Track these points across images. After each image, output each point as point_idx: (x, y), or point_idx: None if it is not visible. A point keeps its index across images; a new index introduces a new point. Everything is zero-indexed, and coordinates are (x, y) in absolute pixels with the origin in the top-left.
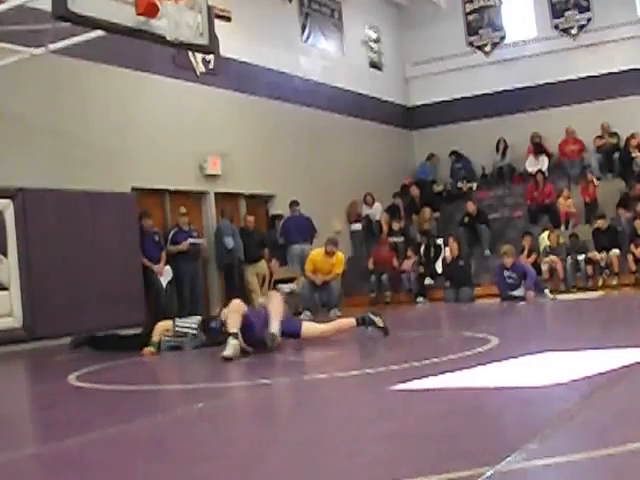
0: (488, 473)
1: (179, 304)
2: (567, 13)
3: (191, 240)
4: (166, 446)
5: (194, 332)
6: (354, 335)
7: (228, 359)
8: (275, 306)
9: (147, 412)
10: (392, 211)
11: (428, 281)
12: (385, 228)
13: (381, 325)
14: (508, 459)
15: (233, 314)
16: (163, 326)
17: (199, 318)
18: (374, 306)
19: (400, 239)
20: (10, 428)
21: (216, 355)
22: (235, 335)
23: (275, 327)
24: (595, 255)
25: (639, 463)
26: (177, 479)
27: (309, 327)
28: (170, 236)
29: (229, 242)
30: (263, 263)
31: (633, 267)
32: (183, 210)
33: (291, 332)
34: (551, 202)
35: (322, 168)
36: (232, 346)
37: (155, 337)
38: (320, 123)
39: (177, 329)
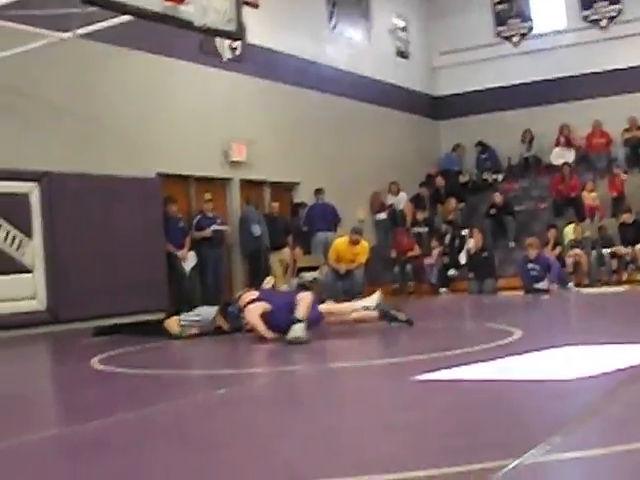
0: (511, 465)
1: (202, 290)
2: (597, 4)
3: (215, 227)
4: (187, 431)
5: (200, 323)
6: (378, 325)
7: (295, 342)
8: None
9: (169, 397)
10: (417, 201)
11: (452, 272)
12: (409, 218)
13: (404, 319)
14: (531, 452)
15: (308, 305)
16: (173, 321)
17: (204, 309)
18: (397, 296)
19: (424, 229)
20: (33, 410)
21: (238, 341)
22: (301, 322)
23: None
24: (620, 249)
25: None
26: (197, 464)
27: (332, 306)
28: (194, 222)
29: (256, 230)
30: (287, 250)
31: None
32: (208, 196)
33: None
34: (577, 195)
35: (347, 157)
36: (297, 330)
37: (175, 329)
38: (345, 111)
39: (182, 323)
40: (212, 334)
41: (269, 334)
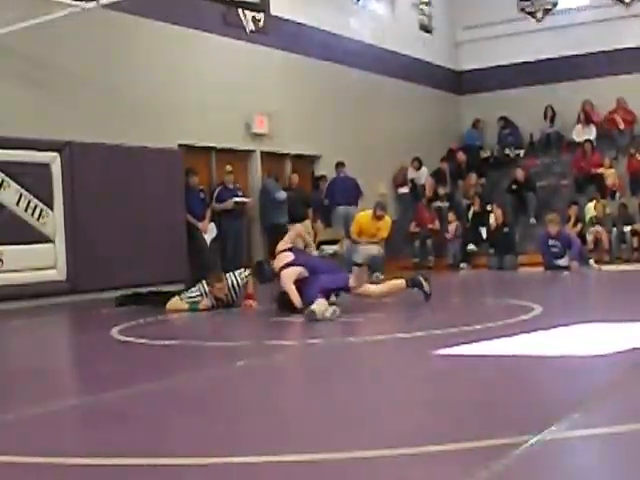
0: (531, 441)
1: (222, 262)
2: None
3: (236, 199)
4: (206, 402)
5: (198, 299)
6: (399, 299)
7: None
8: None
9: (189, 367)
10: (437, 176)
11: (471, 247)
12: (429, 193)
13: (427, 290)
14: (551, 428)
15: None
16: (177, 302)
17: (203, 284)
18: (417, 271)
19: (445, 204)
20: (53, 379)
21: (258, 314)
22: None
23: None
24: None
25: None
26: (215, 434)
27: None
28: (215, 194)
29: (281, 195)
30: (308, 223)
31: None
32: (229, 168)
33: (339, 287)
34: (598, 172)
35: (369, 130)
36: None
37: (184, 306)
38: (368, 85)
39: (187, 301)
40: (225, 306)
41: (300, 303)
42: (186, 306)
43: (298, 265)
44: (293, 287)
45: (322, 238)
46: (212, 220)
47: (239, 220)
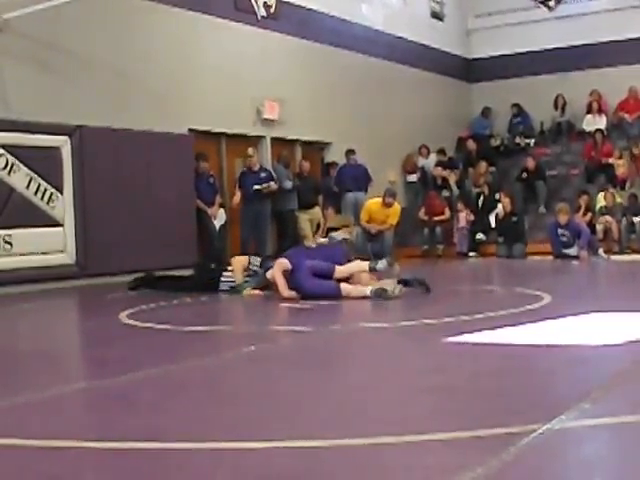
0: (539, 430)
1: (255, 247)
2: None
3: (256, 186)
4: (214, 387)
5: (256, 279)
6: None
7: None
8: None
9: (197, 353)
10: (447, 163)
11: (480, 236)
12: (439, 180)
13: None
14: (560, 417)
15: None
16: (240, 261)
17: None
18: (426, 259)
19: (455, 192)
20: (61, 363)
21: (269, 300)
22: None
23: None
24: None
25: None
26: (223, 420)
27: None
28: (238, 176)
29: (287, 184)
30: (317, 210)
31: None
32: (250, 151)
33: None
34: (608, 162)
35: (379, 117)
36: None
37: (238, 276)
38: (379, 72)
39: (251, 267)
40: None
41: (286, 292)
42: (240, 278)
43: (287, 258)
44: (281, 277)
45: (332, 225)
46: (222, 206)
47: (261, 204)
